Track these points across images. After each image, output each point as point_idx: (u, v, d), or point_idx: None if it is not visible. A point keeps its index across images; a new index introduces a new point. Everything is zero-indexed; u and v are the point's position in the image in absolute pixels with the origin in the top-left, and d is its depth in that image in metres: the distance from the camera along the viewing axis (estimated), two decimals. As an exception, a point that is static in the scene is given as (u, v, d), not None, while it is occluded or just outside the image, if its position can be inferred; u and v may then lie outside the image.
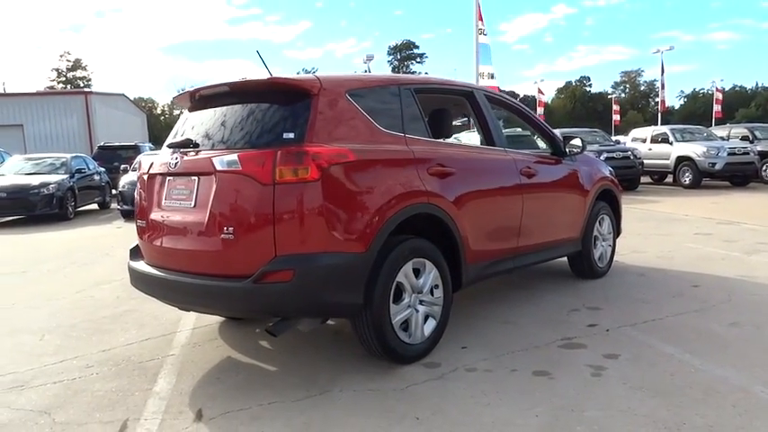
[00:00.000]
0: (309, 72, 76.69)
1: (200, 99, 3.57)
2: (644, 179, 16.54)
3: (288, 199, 2.90)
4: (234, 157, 3.02)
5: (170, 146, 3.52)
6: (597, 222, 5.29)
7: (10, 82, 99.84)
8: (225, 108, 3.35)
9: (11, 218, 12.31)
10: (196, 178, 3.21)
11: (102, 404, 3.04)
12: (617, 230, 5.71)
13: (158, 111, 78.66)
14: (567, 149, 4.89)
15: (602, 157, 14.20)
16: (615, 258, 6.03)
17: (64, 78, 70.18)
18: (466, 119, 9.92)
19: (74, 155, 14.27)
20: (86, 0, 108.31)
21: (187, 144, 3.39)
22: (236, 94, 3.36)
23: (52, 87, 66.48)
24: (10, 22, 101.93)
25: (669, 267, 5.74)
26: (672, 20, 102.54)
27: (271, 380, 3.33)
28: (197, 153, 3.29)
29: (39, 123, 30.26)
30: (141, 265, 3.54)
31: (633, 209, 10.89)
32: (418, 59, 78.10)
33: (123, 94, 39.48)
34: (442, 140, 3.83)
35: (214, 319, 4.38)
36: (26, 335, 4.29)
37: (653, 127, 17.83)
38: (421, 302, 3.45)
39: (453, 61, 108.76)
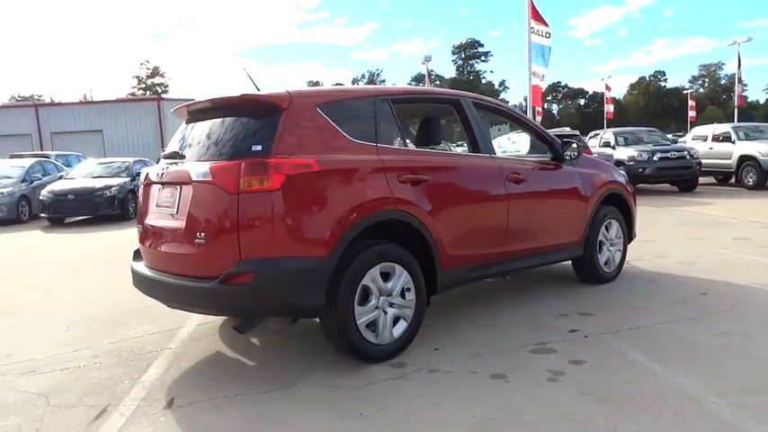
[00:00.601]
0: (374, 74, 77.05)
1: (192, 113, 3.87)
2: (706, 180, 15.84)
3: (251, 207, 3.14)
4: (206, 168, 3.29)
5: (163, 156, 3.84)
6: (603, 227, 5.24)
7: (96, 89, 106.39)
8: (209, 122, 3.64)
9: (78, 218, 13.31)
10: (179, 187, 3.50)
11: (93, 390, 3.38)
12: (628, 235, 5.62)
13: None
14: (566, 154, 4.89)
15: (655, 158, 13.79)
16: (632, 263, 5.97)
17: (143, 85, 74.19)
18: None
19: (136, 159, 15.23)
20: (166, 10, 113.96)
21: (175, 155, 3.70)
22: (217, 109, 3.64)
23: (133, 94, 70.35)
24: (97, 34, 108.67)
25: (685, 273, 5.59)
26: (760, 8, 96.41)
27: (247, 373, 3.59)
28: (182, 164, 3.59)
29: (116, 129, 32.25)
30: (139, 266, 3.87)
31: (678, 211, 10.53)
32: (483, 58, 77.44)
33: (194, 99, 41.28)
34: (419, 149, 3.96)
35: (218, 317, 4.69)
36: (54, 326, 4.74)
37: (714, 125, 16.98)
38: (391, 305, 3.60)
39: (520, 58, 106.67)
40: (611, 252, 5.38)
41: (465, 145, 4.79)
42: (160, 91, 73.45)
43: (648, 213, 10.45)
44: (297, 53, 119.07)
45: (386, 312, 3.58)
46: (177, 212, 3.47)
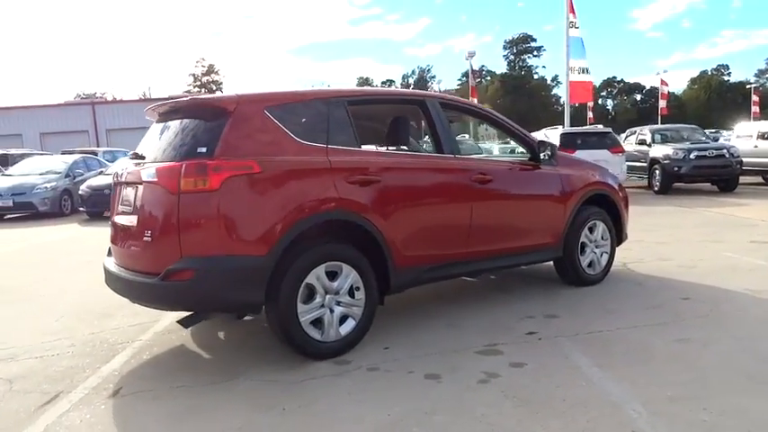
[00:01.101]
0: (424, 70, 76.57)
1: (157, 114, 4.05)
2: (752, 180, 15.13)
3: (191, 207, 3.28)
4: (153, 169, 3.45)
5: (129, 157, 4.03)
6: (586, 228, 5.15)
7: (155, 87, 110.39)
8: (168, 123, 3.80)
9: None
10: (136, 187, 3.68)
11: (55, 378, 3.60)
12: (618, 237, 5.49)
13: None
14: (541, 155, 4.82)
15: (691, 156, 13.28)
16: (629, 265, 5.88)
17: (199, 83, 76.38)
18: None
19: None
20: (224, 9, 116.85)
21: (136, 156, 3.88)
22: (175, 111, 3.80)
23: (189, 92, 72.61)
24: (159, 33, 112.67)
25: (679, 277, 5.42)
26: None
27: (200, 365, 3.74)
28: (140, 164, 3.77)
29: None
30: (110, 264, 4.08)
31: (706, 212, 10.14)
32: (535, 53, 75.96)
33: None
34: (376, 149, 4.02)
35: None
36: (49, 316, 5.03)
37: (761, 122, 16.17)
38: (338, 303, 3.68)
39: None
40: (596, 254, 5.27)
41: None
42: (215, 88, 75.58)
43: (673, 214, 10.12)
44: (349, 50, 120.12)
45: (332, 311, 3.65)
46: (133, 211, 3.65)
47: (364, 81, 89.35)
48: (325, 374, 3.43)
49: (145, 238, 3.44)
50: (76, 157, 16.09)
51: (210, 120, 3.52)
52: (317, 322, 3.61)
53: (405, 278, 4.00)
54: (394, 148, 4.38)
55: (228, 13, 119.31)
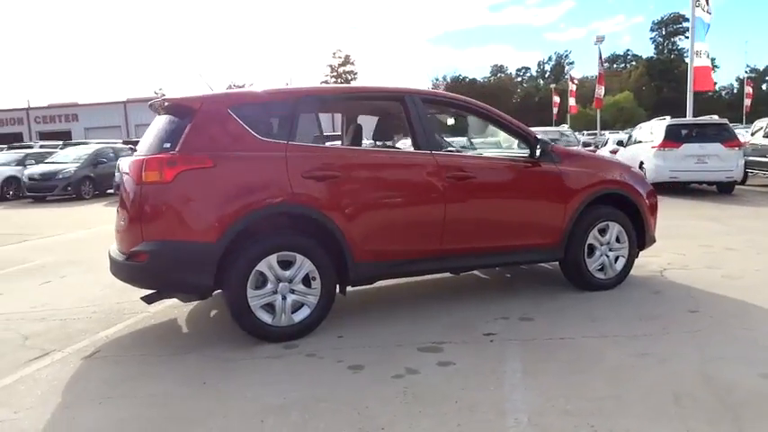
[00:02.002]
0: (561, 56, 73.02)
1: (155, 110, 4.48)
2: None
3: (150, 197, 3.68)
4: (129, 162, 3.89)
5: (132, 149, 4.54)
6: (595, 230, 4.87)
7: (296, 77, 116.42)
8: (157, 120, 4.23)
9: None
10: (123, 178, 4.16)
11: (59, 338, 4.20)
12: (640, 241, 5.11)
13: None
14: (537, 152, 4.64)
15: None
16: (668, 270, 5.54)
17: (335, 73, 79.45)
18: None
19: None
20: (362, 2, 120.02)
21: (133, 150, 4.36)
22: (162, 109, 4.20)
23: (326, 82, 75.85)
24: (298, 27, 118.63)
25: (711, 288, 4.93)
26: None
27: (172, 339, 4.15)
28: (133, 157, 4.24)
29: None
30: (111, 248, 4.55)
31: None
32: (686, 34, 69.33)
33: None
34: (341, 146, 4.16)
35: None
36: (96, 287, 5.71)
37: None
38: (292, 291, 3.90)
39: (734, 35, 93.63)
40: (609, 258, 4.97)
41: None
42: (350, 78, 78.26)
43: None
44: (487, 36, 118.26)
45: (285, 298, 3.88)
46: (123, 199, 4.13)
47: (498, 68, 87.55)
48: (265, 356, 3.68)
49: (122, 223, 3.91)
50: (98, 147, 18.31)
51: (180, 118, 3.89)
52: (270, 308, 3.85)
53: (366, 272, 4.12)
54: (380, 144, 4.48)
55: (368, 3, 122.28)
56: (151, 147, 3.92)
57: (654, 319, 4.21)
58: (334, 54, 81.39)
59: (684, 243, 6.89)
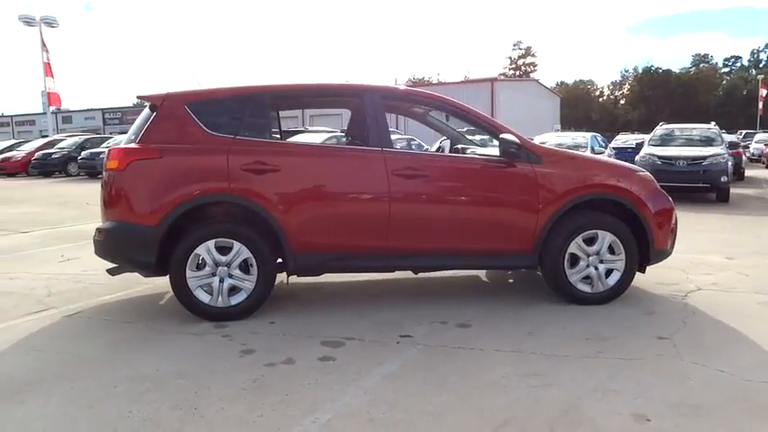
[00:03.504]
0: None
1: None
2: None
3: (111, 182, 4.22)
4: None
5: None
6: (579, 238, 4.44)
7: (474, 69, 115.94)
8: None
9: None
10: None
11: (68, 299, 4.92)
12: (644, 254, 4.54)
13: (597, 93, 79.19)
14: (509, 151, 4.34)
15: None
16: (692, 294, 4.79)
17: (514, 66, 77.80)
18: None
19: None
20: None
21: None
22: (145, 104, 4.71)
23: (504, 74, 74.64)
24: (479, 19, 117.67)
25: (726, 315, 4.24)
26: None
27: (145, 308, 4.66)
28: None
29: (453, 108, 35.62)
30: None
31: None
32: None
33: (536, 80, 42.22)
34: (285, 141, 4.33)
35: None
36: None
37: None
38: (230, 276, 4.20)
39: None
40: (598, 270, 4.49)
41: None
42: (529, 71, 76.13)
43: None
44: (696, 22, 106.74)
45: (222, 281, 4.18)
46: None
47: (701, 58, 78.66)
48: (191, 332, 4.01)
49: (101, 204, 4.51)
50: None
51: (149, 112, 4.36)
52: (210, 288, 4.18)
53: (306, 262, 4.26)
54: (346, 140, 4.57)
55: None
56: (127, 138, 4.46)
57: (603, 340, 3.78)
58: (514, 46, 79.79)
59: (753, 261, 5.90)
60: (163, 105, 4.28)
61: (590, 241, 4.48)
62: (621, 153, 17.38)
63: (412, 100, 4.83)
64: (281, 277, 4.50)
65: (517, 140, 4.32)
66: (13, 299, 4.95)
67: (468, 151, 5.16)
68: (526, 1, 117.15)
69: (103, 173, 4.39)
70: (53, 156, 22.92)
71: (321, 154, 4.53)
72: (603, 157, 5.35)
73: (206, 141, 4.21)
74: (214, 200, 4.17)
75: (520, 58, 78.84)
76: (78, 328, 4.20)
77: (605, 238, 4.47)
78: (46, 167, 22.79)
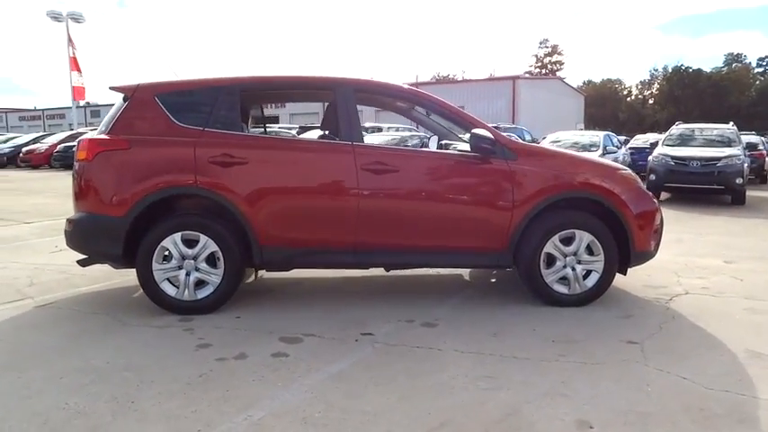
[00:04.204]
0: None
1: None
2: None
3: (79, 173, 4.21)
4: (80, 142, 4.47)
5: None
6: (555, 238, 4.31)
7: (499, 67, 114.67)
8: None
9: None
10: None
11: (50, 289, 4.95)
12: (624, 255, 4.38)
13: (625, 92, 77.80)
14: (480, 147, 4.23)
15: None
16: (671, 297, 4.64)
17: (540, 64, 76.84)
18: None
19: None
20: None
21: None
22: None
23: (530, 72, 73.79)
24: (505, 16, 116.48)
25: (704, 320, 4.08)
26: None
27: (117, 301, 4.65)
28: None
29: (474, 106, 35.15)
30: None
31: None
32: None
33: (560, 79, 41.57)
34: (254, 135, 4.27)
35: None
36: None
37: None
38: (197, 269, 4.16)
39: None
40: (576, 271, 4.35)
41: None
42: (555, 69, 75.12)
43: None
44: (730, 21, 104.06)
45: (189, 274, 4.15)
46: None
47: (734, 58, 76.70)
48: (154, 325, 3.99)
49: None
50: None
51: (121, 103, 4.35)
52: (175, 281, 4.15)
53: (273, 257, 4.21)
54: (322, 132, 4.51)
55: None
56: (99, 129, 4.46)
57: (569, 343, 3.65)
58: (540, 44, 78.76)
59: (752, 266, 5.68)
60: (134, 96, 4.26)
61: (567, 241, 4.34)
62: (639, 153, 17.04)
63: (383, 93, 4.74)
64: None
65: (490, 136, 4.20)
66: (-5, 283, 5.01)
67: (452, 147, 5.05)
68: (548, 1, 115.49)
69: (74, 164, 4.40)
70: (74, 149, 23.25)
71: (289, 147, 4.47)
72: (587, 156, 5.22)
73: (175, 133, 4.18)
74: (180, 192, 4.13)
75: (546, 56, 77.89)
76: (45, 318, 4.21)
77: (583, 237, 4.32)
78: (67, 160, 23.10)
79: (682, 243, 6.98)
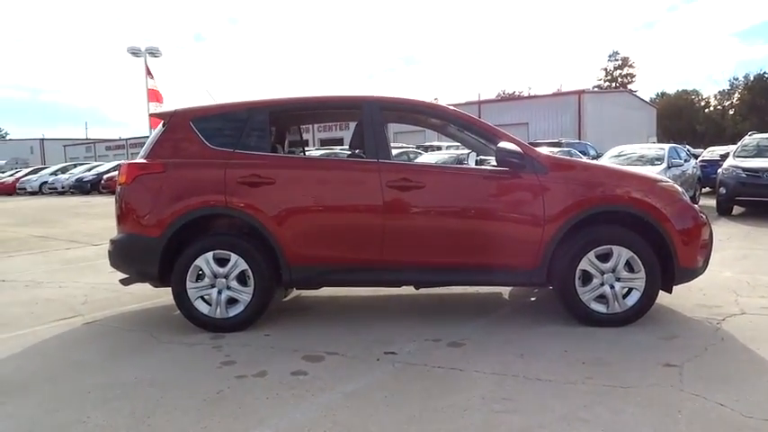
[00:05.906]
0: None
1: None
2: None
3: (120, 196, 4.42)
4: (126, 166, 4.70)
5: None
6: (591, 254, 4.13)
7: (567, 82, 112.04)
8: None
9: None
10: None
11: (101, 306, 5.21)
12: (668, 273, 4.14)
13: (702, 103, 74.29)
14: (510, 161, 4.12)
15: None
16: (723, 318, 4.34)
17: (610, 77, 74.62)
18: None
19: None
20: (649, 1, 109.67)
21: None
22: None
23: (599, 86, 71.81)
24: (574, 29, 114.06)
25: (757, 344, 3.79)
26: None
27: (159, 319, 4.82)
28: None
29: (540, 122, 34.62)
30: None
31: None
32: None
33: (629, 91, 40.26)
34: (280, 155, 4.36)
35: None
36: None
37: None
38: (228, 287, 4.26)
39: None
40: (615, 289, 4.15)
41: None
42: (626, 82, 72.80)
43: None
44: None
45: (220, 293, 4.25)
46: None
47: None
48: (188, 342, 4.09)
49: (119, 216, 4.74)
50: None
51: (160, 128, 4.55)
52: (208, 299, 4.26)
53: (302, 276, 4.25)
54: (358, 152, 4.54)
55: (656, 3, 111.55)
56: (140, 154, 4.67)
57: (601, 365, 3.46)
58: (610, 57, 76.53)
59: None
60: (170, 122, 4.45)
61: (604, 257, 4.15)
62: (712, 166, 16.12)
63: (405, 109, 4.72)
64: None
65: (517, 149, 4.09)
66: (53, 305, 5.31)
67: (487, 163, 4.96)
68: (623, 11, 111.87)
69: (116, 187, 4.62)
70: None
71: (315, 166, 4.52)
72: (626, 167, 4.97)
73: (207, 155, 4.32)
74: (212, 212, 4.25)
75: (616, 69, 75.41)
76: (89, 334, 4.41)
77: (621, 254, 4.11)
78: (143, 186, 24.37)
79: (747, 260, 6.52)
